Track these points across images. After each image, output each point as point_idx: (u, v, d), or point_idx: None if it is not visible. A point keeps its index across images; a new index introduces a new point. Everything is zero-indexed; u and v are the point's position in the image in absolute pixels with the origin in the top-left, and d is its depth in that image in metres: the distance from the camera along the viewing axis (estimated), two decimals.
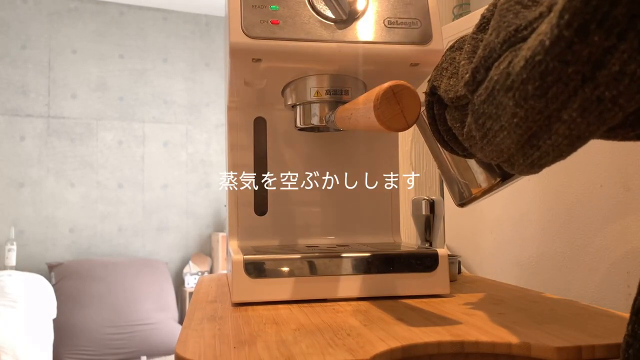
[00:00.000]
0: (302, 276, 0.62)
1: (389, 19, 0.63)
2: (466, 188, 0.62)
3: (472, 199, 0.62)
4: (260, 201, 0.76)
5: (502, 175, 0.59)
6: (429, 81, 0.50)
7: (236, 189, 0.75)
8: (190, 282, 3.14)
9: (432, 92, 0.49)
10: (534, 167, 0.35)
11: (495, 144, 0.36)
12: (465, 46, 0.43)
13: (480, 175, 0.61)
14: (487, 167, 0.60)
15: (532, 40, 0.31)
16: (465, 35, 0.51)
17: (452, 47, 0.50)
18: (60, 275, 2.81)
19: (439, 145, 0.55)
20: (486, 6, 0.42)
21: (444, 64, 0.48)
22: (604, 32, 0.26)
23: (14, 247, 2.85)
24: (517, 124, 0.33)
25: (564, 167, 0.77)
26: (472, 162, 0.61)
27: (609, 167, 0.69)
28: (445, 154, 0.64)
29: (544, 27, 0.29)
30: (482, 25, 0.42)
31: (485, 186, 0.60)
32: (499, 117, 0.35)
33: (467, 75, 0.39)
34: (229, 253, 0.69)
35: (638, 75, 0.26)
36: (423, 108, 0.65)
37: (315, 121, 0.66)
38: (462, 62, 0.42)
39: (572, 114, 0.30)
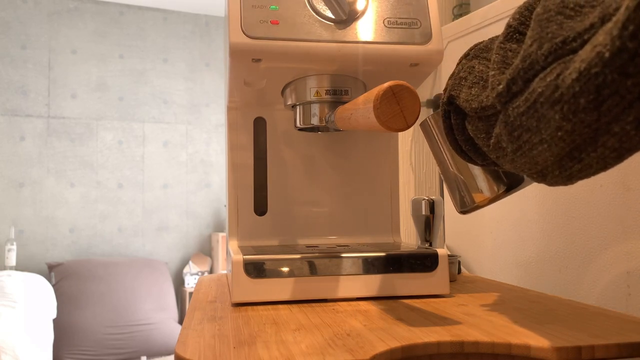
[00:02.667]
0: (302, 276, 0.62)
1: (388, 19, 0.63)
2: (469, 196, 0.62)
3: (475, 207, 0.62)
4: (260, 201, 0.76)
5: (508, 185, 0.58)
6: (445, 90, 0.50)
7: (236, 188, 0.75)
8: (190, 282, 3.14)
9: (449, 102, 0.48)
10: (572, 179, 0.34)
11: (531, 157, 0.36)
12: (494, 56, 0.42)
13: (484, 184, 0.60)
14: (493, 176, 0.59)
15: (586, 52, 0.30)
16: (480, 43, 0.49)
17: (467, 54, 0.49)
18: (60, 275, 2.81)
19: (444, 153, 0.54)
20: (511, 14, 0.41)
21: (461, 72, 0.47)
22: None
23: (14, 247, 2.85)
24: (561, 137, 0.32)
25: None
26: (477, 171, 0.60)
27: None
28: (449, 161, 0.63)
29: (601, 39, 0.29)
30: (510, 35, 0.41)
31: (490, 195, 0.59)
32: (539, 130, 0.34)
33: (501, 87, 0.38)
34: (228, 253, 0.69)
35: None
36: (431, 114, 0.64)
37: (315, 121, 0.66)
38: (492, 72, 0.41)
39: (625, 127, 0.29)
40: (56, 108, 3.10)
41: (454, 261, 0.80)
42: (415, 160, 1.18)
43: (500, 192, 0.59)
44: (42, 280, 2.69)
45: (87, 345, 2.62)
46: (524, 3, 0.41)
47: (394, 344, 0.44)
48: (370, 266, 0.63)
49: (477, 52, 0.48)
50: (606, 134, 0.30)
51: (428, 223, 0.84)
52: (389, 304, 0.60)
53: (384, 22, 0.63)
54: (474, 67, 0.47)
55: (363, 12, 0.63)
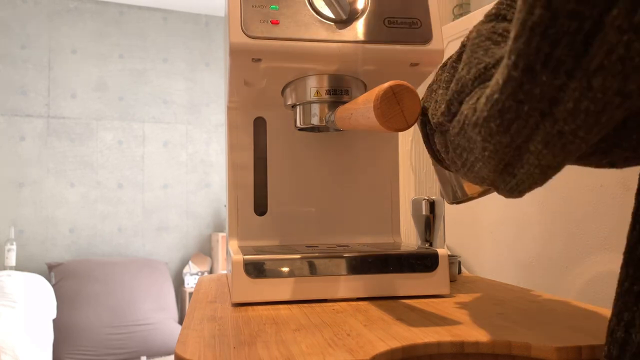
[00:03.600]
0: (302, 276, 0.62)
1: (389, 19, 0.63)
2: (460, 188, 0.62)
3: (468, 199, 0.62)
4: (260, 201, 0.76)
5: None
6: (421, 99, 0.50)
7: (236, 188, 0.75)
8: (190, 282, 3.14)
9: (423, 112, 0.49)
10: (514, 192, 0.35)
11: (475, 172, 0.37)
12: (444, 74, 0.43)
13: None
14: None
15: (493, 79, 0.31)
16: (451, 57, 0.50)
17: (444, 64, 0.49)
18: (60, 275, 2.81)
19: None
20: (468, 33, 0.42)
21: (434, 84, 0.48)
22: (550, 71, 0.27)
23: (14, 247, 2.85)
24: (489, 157, 0.34)
25: (564, 167, 0.77)
26: None
27: None
28: None
29: (501, 67, 0.30)
30: (461, 54, 0.42)
31: (481, 188, 0.60)
32: (472, 149, 0.36)
33: (443, 107, 0.40)
34: (228, 253, 0.69)
35: (592, 111, 0.26)
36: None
37: (315, 121, 0.66)
38: (440, 91, 0.42)
39: (537, 146, 0.30)
40: (56, 108, 3.10)
41: (454, 261, 0.80)
42: (415, 160, 1.18)
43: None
44: (42, 280, 2.69)
45: (87, 345, 2.62)
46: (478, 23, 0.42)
47: (394, 344, 0.44)
48: (371, 266, 0.63)
49: (450, 63, 0.48)
50: (527, 152, 0.31)
51: (428, 223, 0.84)
52: (389, 304, 0.60)
53: (384, 22, 0.63)
54: (443, 80, 0.47)
55: (363, 12, 0.63)
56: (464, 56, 0.38)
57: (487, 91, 0.32)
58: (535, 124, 0.29)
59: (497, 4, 0.38)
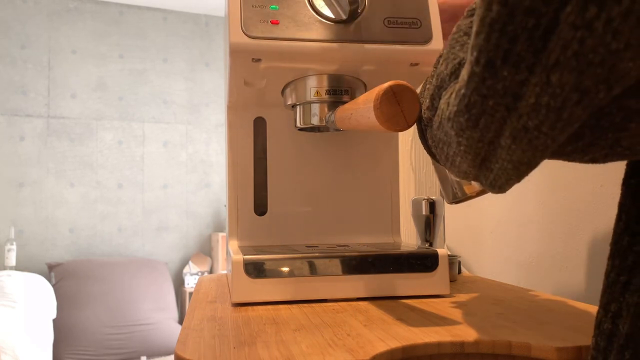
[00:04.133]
0: (302, 276, 0.62)
1: (389, 19, 0.63)
2: (459, 188, 0.62)
3: (466, 199, 0.62)
4: (260, 201, 0.76)
5: None
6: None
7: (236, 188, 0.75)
8: (190, 282, 3.14)
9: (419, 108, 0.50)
10: (494, 187, 0.35)
11: (457, 166, 0.37)
12: (433, 68, 0.43)
13: None
14: None
15: (461, 74, 0.32)
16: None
17: (438, 60, 0.50)
18: (60, 275, 2.81)
19: None
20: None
21: (428, 79, 0.48)
22: (511, 67, 0.27)
23: (14, 247, 2.85)
24: (464, 151, 0.34)
25: (564, 167, 0.77)
26: None
27: (609, 166, 0.69)
28: None
29: (466, 64, 0.30)
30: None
31: (479, 187, 0.60)
32: (450, 143, 0.36)
33: (427, 101, 0.40)
34: (228, 253, 0.69)
35: (552, 107, 0.26)
36: None
37: (315, 121, 0.66)
38: (428, 85, 0.42)
39: (506, 141, 0.30)
40: (56, 108, 3.10)
41: (454, 261, 0.80)
42: (415, 160, 1.18)
43: None
44: (42, 280, 2.69)
45: (87, 345, 2.62)
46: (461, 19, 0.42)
47: (394, 344, 0.44)
48: (370, 266, 0.63)
49: (438, 58, 0.49)
50: (499, 147, 0.31)
51: (428, 223, 0.84)
52: (389, 304, 0.60)
53: (384, 22, 0.63)
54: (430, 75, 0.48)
55: (363, 12, 0.63)
56: (444, 51, 0.39)
57: (456, 86, 0.32)
58: (502, 118, 0.29)
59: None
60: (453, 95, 0.33)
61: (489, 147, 0.32)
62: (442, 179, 0.65)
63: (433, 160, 0.65)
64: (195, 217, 3.39)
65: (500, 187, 0.34)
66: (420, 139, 0.50)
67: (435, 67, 0.47)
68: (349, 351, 0.42)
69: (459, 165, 0.37)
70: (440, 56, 0.47)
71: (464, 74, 0.30)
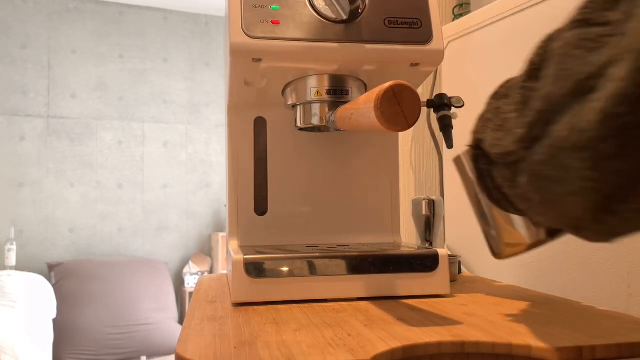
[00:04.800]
0: (302, 276, 0.62)
1: (389, 19, 0.63)
2: (502, 243, 0.55)
3: (513, 255, 0.55)
4: (260, 201, 0.76)
5: (550, 232, 0.51)
6: (472, 132, 0.46)
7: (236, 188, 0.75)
8: (190, 282, 3.14)
9: (477, 146, 0.44)
10: (613, 235, 0.30)
11: (560, 209, 0.31)
12: (514, 96, 0.38)
13: (524, 230, 0.52)
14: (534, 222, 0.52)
15: (605, 89, 0.26)
16: (512, 80, 0.43)
17: (496, 93, 0.44)
18: (60, 275, 2.81)
19: (479, 194, 0.48)
20: (533, 48, 0.37)
21: (487, 114, 0.43)
22: None
23: (14, 247, 2.85)
24: (592, 189, 0.28)
25: None
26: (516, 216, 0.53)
27: None
28: (484, 202, 0.55)
29: (623, 72, 0.25)
30: (532, 72, 0.36)
31: (530, 242, 0.53)
32: (565, 180, 0.30)
33: (521, 131, 0.34)
34: (229, 253, 0.69)
35: None
36: (465, 150, 0.55)
37: (315, 121, 0.66)
38: (512, 115, 0.37)
39: None
40: (56, 108, 3.10)
41: (455, 261, 0.80)
42: (415, 160, 1.18)
43: (542, 239, 0.51)
44: (42, 280, 2.69)
45: (87, 345, 2.62)
46: (546, 36, 0.36)
47: (395, 344, 0.44)
48: (371, 266, 0.63)
49: (506, 91, 0.42)
50: None
51: (428, 223, 0.84)
52: (389, 304, 0.60)
53: (384, 22, 0.63)
54: (499, 107, 0.41)
55: (363, 12, 0.63)
56: (550, 70, 0.33)
57: (597, 105, 0.26)
58: None
59: (581, 9, 0.33)
60: (590, 117, 0.27)
61: (624, 183, 0.26)
62: (487, 232, 0.56)
63: (479, 211, 0.55)
64: (195, 217, 3.39)
65: (615, 235, 0.29)
66: (477, 180, 0.44)
67: (495, 101, 0.41)
68: (349, 351, 0.42)
69: (566, 208, 0.31)
70: (497, 93, 0.41)
71: (621, 86, 0.25)
